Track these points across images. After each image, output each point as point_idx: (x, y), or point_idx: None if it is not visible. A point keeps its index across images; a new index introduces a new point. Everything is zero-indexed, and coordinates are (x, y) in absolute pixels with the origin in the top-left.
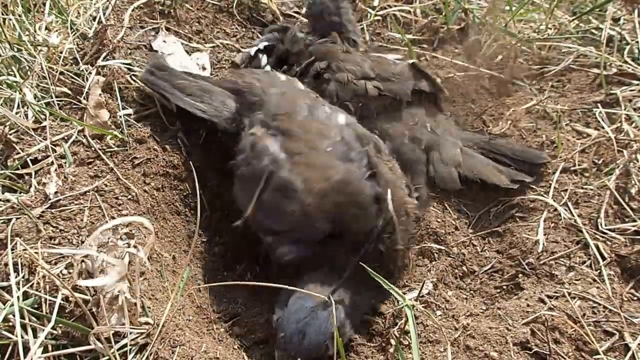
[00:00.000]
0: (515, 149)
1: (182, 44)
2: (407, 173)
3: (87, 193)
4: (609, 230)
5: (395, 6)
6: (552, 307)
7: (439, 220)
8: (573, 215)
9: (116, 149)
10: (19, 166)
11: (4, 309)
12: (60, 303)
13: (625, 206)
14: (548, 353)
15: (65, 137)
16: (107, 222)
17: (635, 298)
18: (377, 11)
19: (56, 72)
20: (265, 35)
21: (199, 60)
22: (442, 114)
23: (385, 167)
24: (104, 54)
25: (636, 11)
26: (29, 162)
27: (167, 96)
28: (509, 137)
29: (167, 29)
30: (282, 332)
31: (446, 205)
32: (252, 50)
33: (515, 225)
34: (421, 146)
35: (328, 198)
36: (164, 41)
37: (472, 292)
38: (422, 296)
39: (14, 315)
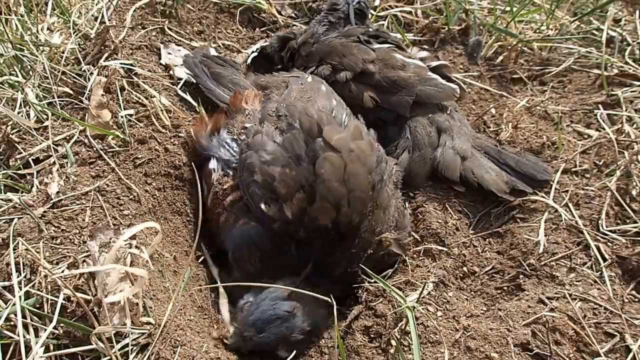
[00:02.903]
0: (519, 161)
1: (185, 44)
2: (415, 152)
3: (89, 193)
4: (610, 231)
5: (397, 7)
6: (552, 308)
7: (439, 221)
8: (574, 217)
9: (118, 149)
10: (21, 166)
11: (6, 308)
12: (62, 303)
13: (627, 207)
14: (549, 354)
15: (67, 137)
16: (115, 229)
17: (636, 299)
18: (378, 12)
19: (58, 72)
20: (268, 40)
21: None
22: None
23: None
24: (106, 55)
25: (637, 12)
26: (31, 162)
27: (197, 80)
28: (517, 144)
29: (169, 29)
30: (245, 316)
31: (447, 206)
32: (250, 52)
33: (516, 226)
34: (438, 128)
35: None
36: (169, 53)
37: (472, 293)
38: (423, 297)
39: (15, 315)
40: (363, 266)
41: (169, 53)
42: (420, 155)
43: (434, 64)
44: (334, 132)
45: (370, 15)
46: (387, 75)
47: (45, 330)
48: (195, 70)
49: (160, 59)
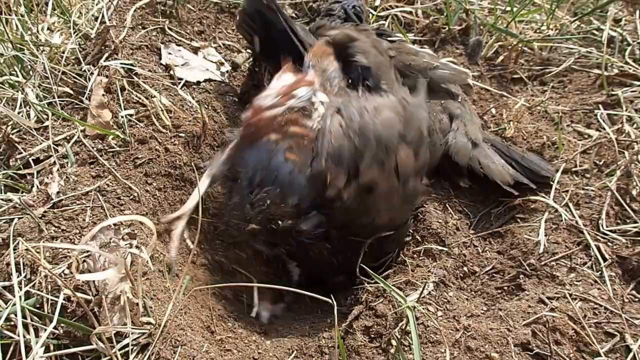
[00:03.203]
0: (524, 157)
1: (185, 44)
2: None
3: (89, 193)
4: (610, 231)
5: (397, 7)
6: (553, 308)
7: (439, 221)
8: (574, 217)
9: (118, 149)
10: (21, 166)
11: (6, 308)
12: (62, 303)
13: (627, 207)
14: (549, 354)
15: (68, 137)
16: (116, 229)
17: (636, 299)
18: (379, 12)
19: (58, 72)
20: None
21: (211, 57)
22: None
23: None
24: (106, 55)
25: (637, 12)
26: (31, 162)
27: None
28: (517, 144)
29: (169, 29)
30: None
31: (447, 205)
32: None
33: (516, 226)
34: (450, 114)
35: None
36: (170, 53)
37: (473, 292)
38: (423, 297)
39: (15, 315)
40: None
41: (170, 53)
42: (431, 142)
43: (441, 60)
44: (407, 160)
45: (370, 16)
46: (402, 60)
47: (46, 330)
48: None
49: (160, 59)
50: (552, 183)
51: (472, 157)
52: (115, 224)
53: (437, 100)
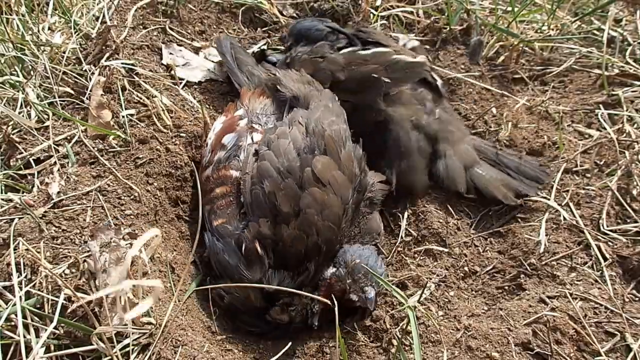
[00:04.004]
0: (520, 166)
1: (186, 44)
2: (403, 162)
3: (90, 193)
4: (611, 231)
5: (398, 7)
6: (553, 307)
7: (440, 221)
8: (575, 216)
9: (119, 149)
10: (22, 166)
11: (7, 308)
12: (62, 303)
13: (627, 207)
14: (549, 354)
15: (68, 137)
16: (116, 229)
17: (636, 299)
18: (380, 12)
19: (59, 72)
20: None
21: (212, 57)
22: (445, 100)
23: None
24: (107, 54)
25: (638, 12)
26: (32, 162)
27: (226, 62)
28: (517, 144)
29: (170, 29)
30: None
31: (448, 206)
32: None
33: (517, 226)
34: (427, 134)
35: None
36: (171, 53)
37: (473, 292)
38: (424, 297)
39: (16, 315)
40: None
41: (171, 53)
42: (409, 166)
43: (410, 45)
44: (322, 164)
45: (371, 16)
46: (353, 76)
47: (46, 330)
48: (225, 52)
49: (161, 59)
50: (552, 183)
51: (469, 180)
52: (115, 224)
53: (407, 116)
